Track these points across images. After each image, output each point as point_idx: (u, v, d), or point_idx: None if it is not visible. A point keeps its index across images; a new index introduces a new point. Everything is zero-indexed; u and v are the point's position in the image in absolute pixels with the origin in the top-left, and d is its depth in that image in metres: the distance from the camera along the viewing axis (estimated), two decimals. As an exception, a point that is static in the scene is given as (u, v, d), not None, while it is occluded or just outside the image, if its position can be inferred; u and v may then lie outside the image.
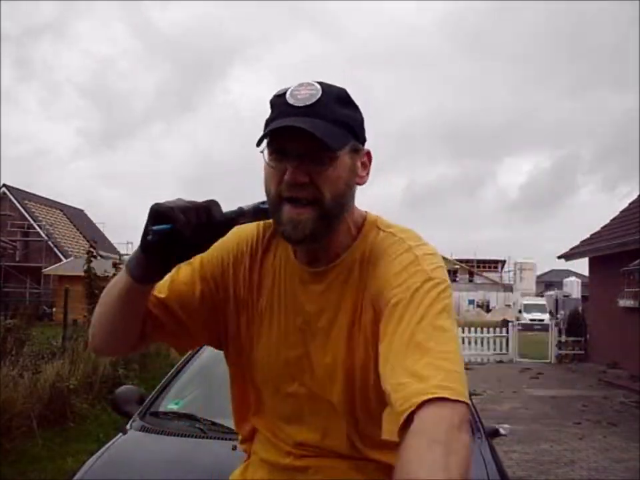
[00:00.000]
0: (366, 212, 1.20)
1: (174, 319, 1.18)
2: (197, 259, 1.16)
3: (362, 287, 1.12)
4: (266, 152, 1.07)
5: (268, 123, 1.06)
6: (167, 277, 1.15)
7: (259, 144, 1.06)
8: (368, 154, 1.14)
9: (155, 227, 1.00)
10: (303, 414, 1.20)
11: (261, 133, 1.06)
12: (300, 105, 1.04)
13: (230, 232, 1.10)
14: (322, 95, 1.05)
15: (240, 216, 1.09)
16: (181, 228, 0.99)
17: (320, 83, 1.08)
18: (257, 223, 1.19)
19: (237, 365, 1.26)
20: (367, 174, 1.14)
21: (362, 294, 1.12)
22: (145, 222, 1.02)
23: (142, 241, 1.03)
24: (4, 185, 30.73)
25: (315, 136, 1.00)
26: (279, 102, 1.07)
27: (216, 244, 1.10)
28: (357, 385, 1.13)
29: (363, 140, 1.13)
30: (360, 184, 1.13)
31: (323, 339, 1.15)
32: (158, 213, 1.00)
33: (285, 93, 1.07)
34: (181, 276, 1.19)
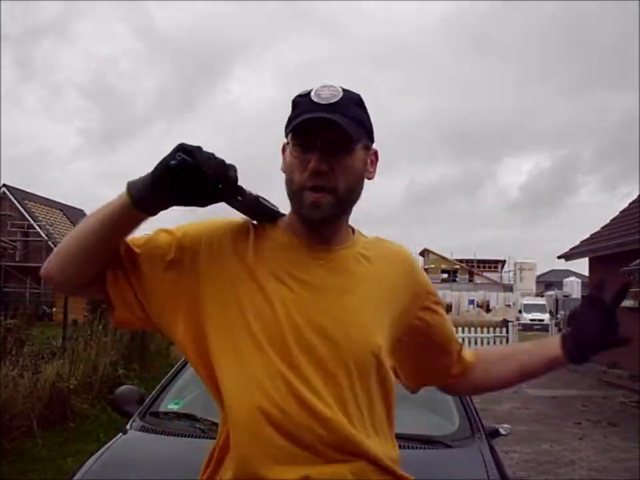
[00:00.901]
0: None
1: (135, 276, 1.20)
2: (180, 230, 1.24)
3: (382, 278, 1.26)
4: (290, 145, 1.21)
5: (292, 119, 1.19)
6: (144, 235, 1.23)
7: (287, 136, 1.20)
8: (376, 153, 1.29)
9: (182, 155, 1.05)
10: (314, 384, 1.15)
11: (288, 127, 1.19)
12: (324, 102, 1.17)
13: (220, 219, 1.26)
14: (343, 96, 1.19)
15: (248, 197, 1.18)
16: (202, 167, 1.06)
17: (340, 87, 1.21)
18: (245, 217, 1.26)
19: (224, 345, 1.18)
20: (374, 171, 1.29)
21: (385, 283, 1.26)
22: (166, 155, 1.08)
23: (158, 169, 1.08)
24: (4, 185, 30.72)
25: (338, 129, 1.14)
26: (303, 100, 1.20)
27: (204, 223, 1.25)
28: (367, 350, 1.20)
29: (373, 140, 1.27)
30: (369, 179, 1.27)
31: (334, 307, 1.19)
32: (184, 149, 1.07)
33: (309, 93, 1.20)
34: (160, 238, 1.23)
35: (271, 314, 1.17)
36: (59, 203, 34.86)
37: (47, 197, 33.95)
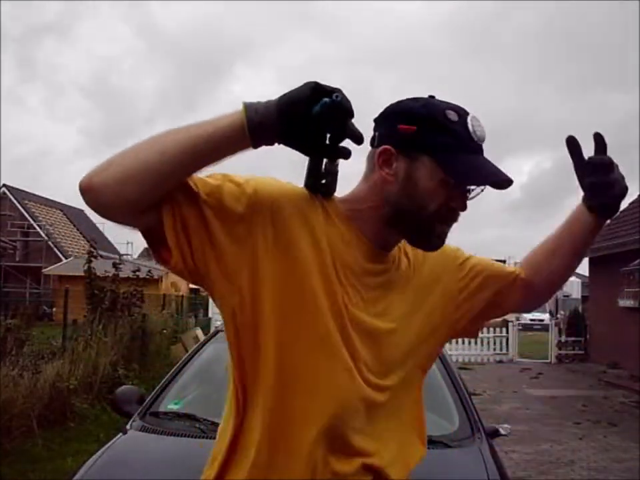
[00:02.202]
0: None
1: (197, 224, 1.05)
2: (250, 184, 1.08)
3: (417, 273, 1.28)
4: (427, 167, 1.13)
5: (448, 148, 1.11)
6: (210, 181, 1.07)
7: (405, 148, 1.13)
8: None
9: (339, 95, 0.99)
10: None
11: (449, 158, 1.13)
12: (481, 143, 1.15)
13: (286, 183, 1.14)
14: None
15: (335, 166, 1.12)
16: (344, 101, 1.00)
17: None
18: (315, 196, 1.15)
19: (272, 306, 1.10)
20: None
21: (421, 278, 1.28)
22: (296, 87, 1.01)
23: (286, 103, 1.00)
24: (4, 185, 30.72)
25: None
26: (460, 130, 1.12)
27: (274, 184, 1.11)
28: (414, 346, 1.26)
29: None
30: None
31: (381, 307, 1.20)
32: (321, 88, 1.01)
33: (459, 120, 1.12)
34: (227, 189, 1.07)
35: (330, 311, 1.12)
36: (59, 203, 34.86)
37: (48, 197, 34.00)
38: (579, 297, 30.41)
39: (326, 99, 0.99)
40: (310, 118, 0.99)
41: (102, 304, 9.22)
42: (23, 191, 32.05)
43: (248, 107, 1.01)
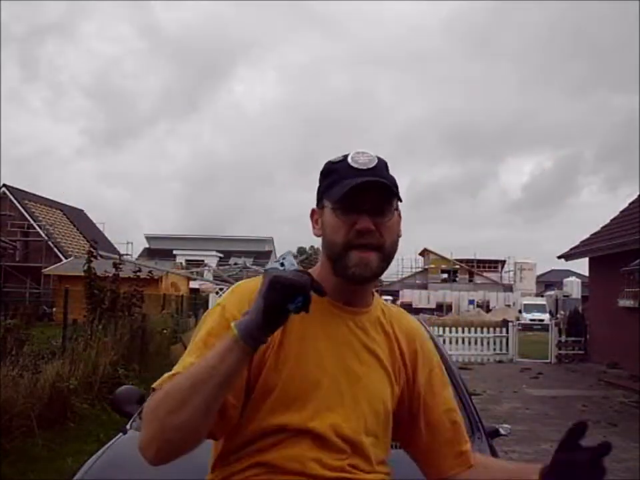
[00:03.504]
0: None
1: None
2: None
3: (394, 339, 1.35)
4: (328, 208, 1.27)
5: (332, 185, 1.26)
6: None
7: (319, 203, 1.30)
8: (400, 213, 1.35)
9: (298, 300, 1.09)
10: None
11: (330, 192, 1.26)
12: (364, 168, 1.25)
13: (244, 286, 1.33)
14: (378, 161, 1.28)
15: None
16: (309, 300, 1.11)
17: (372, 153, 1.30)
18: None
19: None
20: (401, 228, 1.35)
21: (395, 344, 1.35)
22: (267, 291, 1.09)
23: (273, 313, 1.09)
24: (4, 185, 30.74)
25: (383, 192, 1.24)
26: (340, 167, 1.27)
27: (245, 297, 1.25)
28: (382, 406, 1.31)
29: (401, 201, 1.34)
30: (399, 236, 1.34)
31: (355, 367, 1.28)
32: (294, 287, 1.08)
33: (343, 160, 1.27)
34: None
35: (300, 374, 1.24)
36: (59, 202, 34.87)
37: (49, 197, 34.00)
38: (579, 297, 30.49)
39: (300, 298, 1.09)
40: (288, 312, 1.11)
41: (102, 304, 9.23)
42: (23, 191, 32.05)
43: (242, 337, 1.11)
